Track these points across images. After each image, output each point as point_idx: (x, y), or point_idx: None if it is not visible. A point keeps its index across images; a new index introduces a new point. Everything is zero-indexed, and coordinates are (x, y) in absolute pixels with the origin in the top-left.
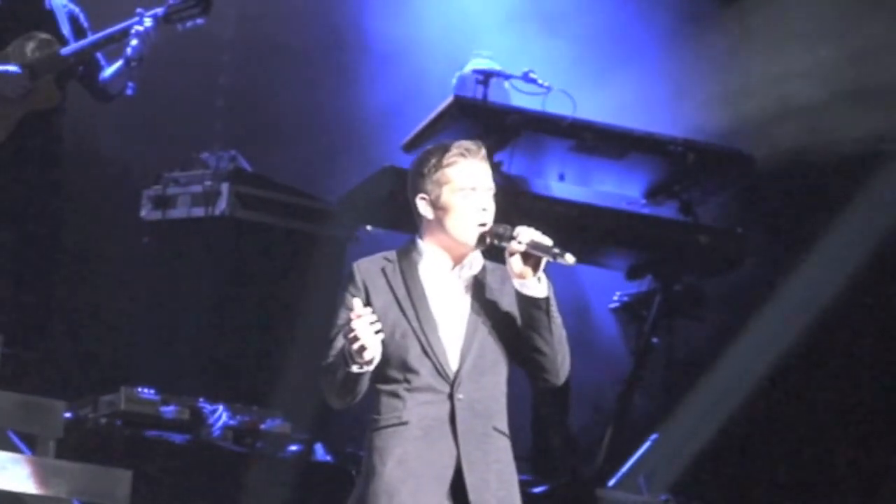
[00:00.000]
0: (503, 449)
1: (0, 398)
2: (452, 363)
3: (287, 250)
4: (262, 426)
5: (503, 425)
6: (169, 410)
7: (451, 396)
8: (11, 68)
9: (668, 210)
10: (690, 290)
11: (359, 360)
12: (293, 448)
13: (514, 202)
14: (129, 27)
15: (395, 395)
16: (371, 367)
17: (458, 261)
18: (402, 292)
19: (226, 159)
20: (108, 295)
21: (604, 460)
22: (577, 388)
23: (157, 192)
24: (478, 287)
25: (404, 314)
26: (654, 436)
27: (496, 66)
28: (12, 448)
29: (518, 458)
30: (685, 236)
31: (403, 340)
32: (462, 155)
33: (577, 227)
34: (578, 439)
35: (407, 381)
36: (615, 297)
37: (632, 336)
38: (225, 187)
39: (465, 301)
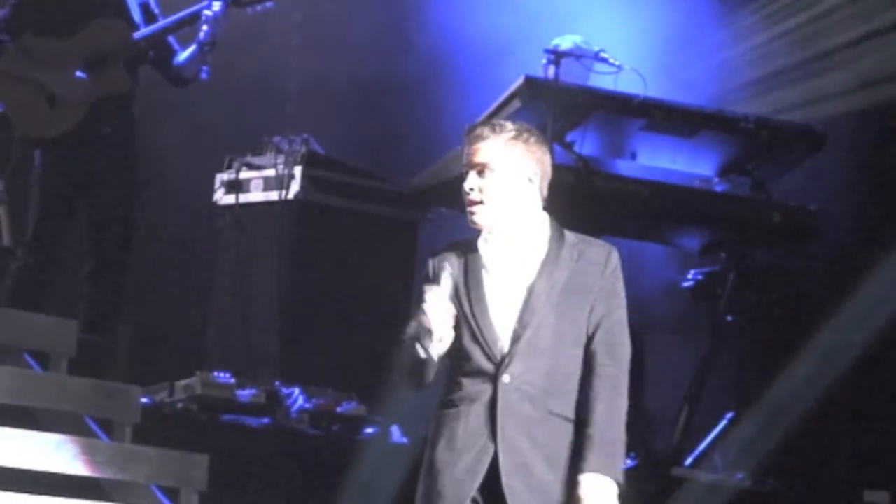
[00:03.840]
0: (560, 433)
1: (77, 384)
2: (503, 345)
3: (360, 233)
4: (338, 409)
5: (565, 408)
6: (245, 394)
7: (494, 378)
8: (71, 65)
9: (740, 187)
10: (764, 267)
11: (428, 341)
12: (369, 430)
13: (587, 181)
14: (200, 11)
15: (453, 378)
16: (440, 350)
17: (510, 239)
18: (461, 278)
19: (298, 142)
20: (182, 279)
21: (679, 439)
22: (653, 367)
23: (230, 176)
24: (547, 264)
25: (459, 299)
26: (729, 414)
27: (576, 43)
28: (90, 434)
29: None
30: (758, 214)
31: (458, 326)
32: (465, 136)
33: (649, 207)
34: (654, 418)
35: (462, 365)
36: (689, 276)
37: (706, 315)
38: (298, 171)
39: (525, 280)
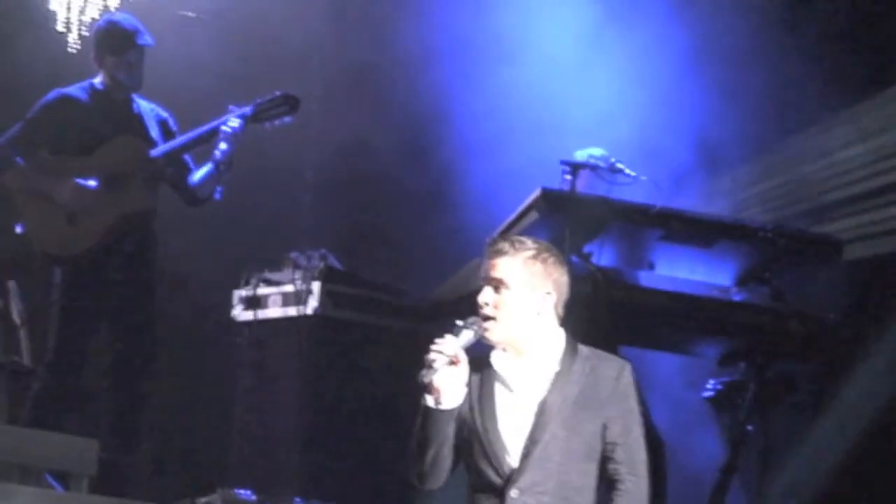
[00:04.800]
0: None
1: (98, 503)
2: (512, 460)
3: (379, 347)
4: None
5: None
6: None
7: (502, 494)
8: (90, 183)
9: (758, 296)
10: (784, 376)
11: (424, 371)
12: None
13: (605, 292)
14: (218, 127)
15: (470, 495)
16: (442, 406)
17: (523, 354)
18: (474, 392)
19: (316, 258)
20: (202, 396)
21: None
22: (673, 478)
23: (248, 292)
24: (559, 379)
25: (472, 412)
26: None
27: (593, 154)
28: None
29: None
30: (777, 323)
31: (469, 439)
32: (485, 249)
33: (667, 317)
34: None
35: (475, 481)
36: (708, 386)
37: (726, 425)
38: (316, 286)
39: (537, 395)
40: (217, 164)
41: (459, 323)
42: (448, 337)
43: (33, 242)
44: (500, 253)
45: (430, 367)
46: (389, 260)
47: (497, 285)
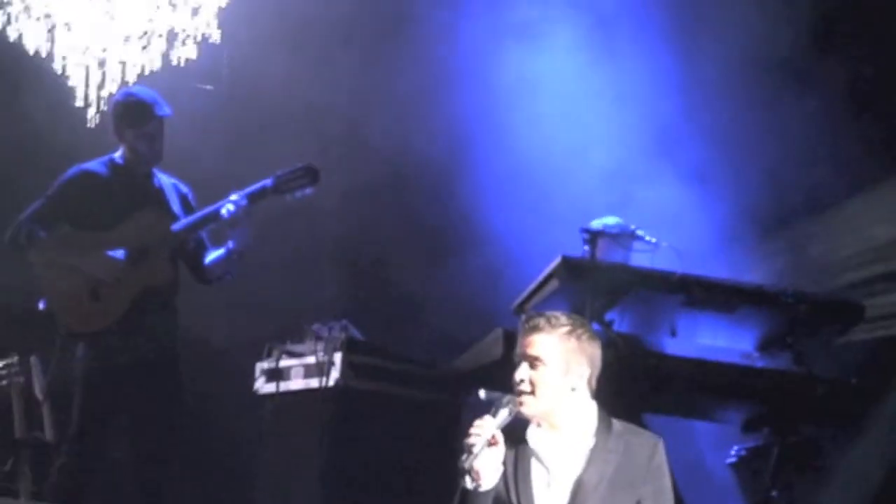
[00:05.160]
0: None
1: None
2: None
3: (402, 418)
4: None
5: None
6: None
7: None
8: (116, 255)
9: (781, 362)
10: (808, 442)
11: (464, 457)
12: None
13: (628, 360)
14: (217, 211)
15: None
16: (482, 487)
17: (558, 430)
18: (510, 468)
19: (337, 329)
20: (226, 467)
21: None
22: None
23: (270, 364)
24: (594, 456)
25: (507, 489)
26: None
27: (612, 222)
28: None
29: None
30: (800, 388)
31: None
32: (521, 325)
33: (691, 383)
34: None
35: None
36: (732, 452)
37: (751, 491)
38: (338, 357)
39: (573, 472)
40: (229, 252)
41: (489, 394)
42: (486, 418)
43: (56, 318)
44: (536, 329)
45: (470, 451)
46: (411, 330)
47: (533, 362)
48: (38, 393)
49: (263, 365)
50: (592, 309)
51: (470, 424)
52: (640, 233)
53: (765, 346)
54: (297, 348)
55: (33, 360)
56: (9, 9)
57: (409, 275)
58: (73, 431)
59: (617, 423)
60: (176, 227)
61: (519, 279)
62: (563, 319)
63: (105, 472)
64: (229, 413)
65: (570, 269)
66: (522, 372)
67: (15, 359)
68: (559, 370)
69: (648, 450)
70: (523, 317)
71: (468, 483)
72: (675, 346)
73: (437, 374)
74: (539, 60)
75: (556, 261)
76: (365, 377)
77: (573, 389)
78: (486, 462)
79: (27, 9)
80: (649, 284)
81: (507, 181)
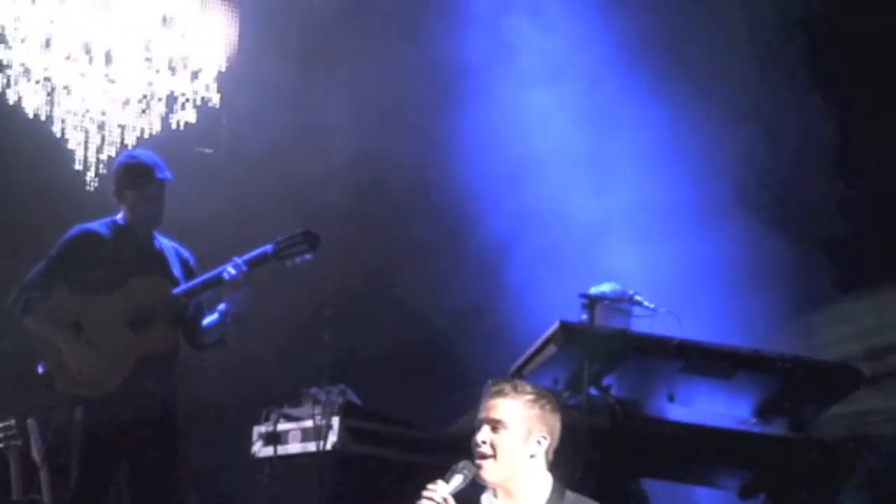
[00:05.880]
0: None
1: None
2: None
3: (400, 482)
4: None
5: None
6: None
7: None
8: (117, 320)
9: (778, 427)
10: None
11: None
12: None
13: (625, 425)
14: (220, 274)
15: None
16: None
17: (513, 498)
18: None
19: (335, 393)
20: None
21: None
22: None
23: (267, 428)
24: None
25: None
26: None
27: (609, 289)
28: None
29: None
30: (797, 453)
31: None
32: (486, 389)
33: (688, 449)
34: None
35: None
36: None
37: None
38: (335, 421)
39: None
40: (223, 316)
41: (449, 474)
42: (439, 482)
43: (55, 383)
44: (501, 394)
45: None
46: (409, 395)
47: (496, 426)
48: (36, 456)
49: (261, 429)
50: (590, 373)
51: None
52: (638, 298)
53: (762, 412)
54: (295, 412)
55: (31, 422)
56: (8, 72)
57: (408, 338)
58: (71, 494)
59: (570, 494)
60: (177, 291)
61: (518, 343)
62: (529, 388)
63: None
64: (227, 477)
65: (568, 333)
66: (484, 434)
67: (12, 422)
68: (521, 436)
69: None
70: (488, 382)
71: None
72: (673, 412)
73: (434, 439)
74: None
75: (554, 326)
76: (363, 441)
77: (532, 457)
78: None
79: (27, 72)
80: (647, 350)
81: (507, 244)
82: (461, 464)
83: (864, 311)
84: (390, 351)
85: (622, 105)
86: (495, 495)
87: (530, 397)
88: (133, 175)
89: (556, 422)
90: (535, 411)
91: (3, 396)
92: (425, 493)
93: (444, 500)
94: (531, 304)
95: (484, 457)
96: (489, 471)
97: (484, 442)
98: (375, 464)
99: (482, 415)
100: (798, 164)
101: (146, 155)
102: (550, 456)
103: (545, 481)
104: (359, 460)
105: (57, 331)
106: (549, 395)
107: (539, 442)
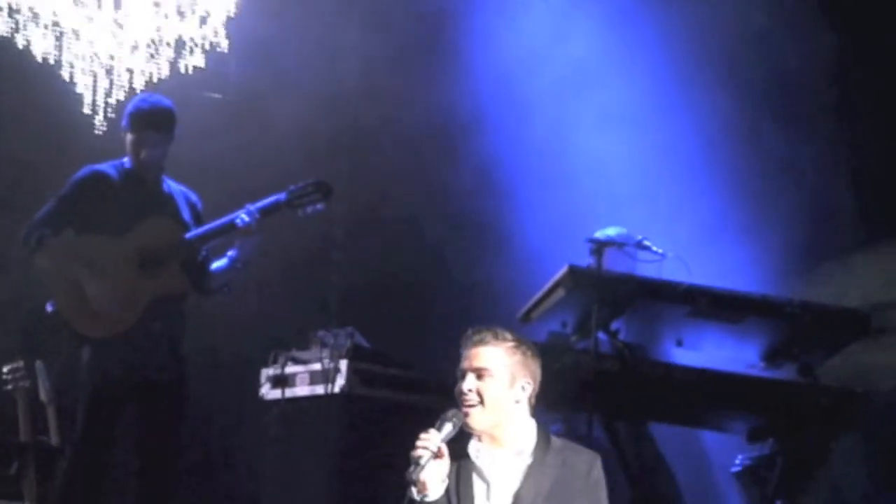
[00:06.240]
0: None
1: None
2: None
3: (407, 425)
4: None
5: None
6: None
7: None
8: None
9: (787, 372)
10: (813, 451)
11: (412, 469)
12: None
13: (633, 369)
14: (233, 221)
15: None
16: (428, 498)
17: (500, 444)
18: (452, 481)
19: (343, 336)
20: (230, 473)
21: None
22: None
23: (275, 371)
24: (532, 470)
25: (448, 499)
26: None
27: (618, 232)
28: None
29: None
30: (806, 398)
31: None
32: (462, 342)
33: (696, 393)
34: None
35: None
36: (737, 462)
37: (755, 500)
38: (343, 364)
39: (511, 486)
40: (232, 262)
41: (439, 422)
42: (431, 431)
43: (64, 321)
44: (482, 342)
45: (417, 463)
46: (416, 337)
47: (480, 373)
48: (44, 397)
49: (269, 371)
50: (598, 318)
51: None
52: (646, 243)
53: (770, 357)
54: (303, 355)
55: (38, 364)
56: (17, 16)
57: (417, 283)
58: (78, 436)
59: (556, 440)
60: (190, 235)
61: (526, 289)
62: (509, 335)
63: (109, 476)
64: (235, 419)
65: (576, 278)
66: (469, 383)
67: (20, 363)
68: (505, 382)
69: (586, 465)
70: (468, 331)
71: (415, 494)
72: (681, 356)
73: (441, 381)
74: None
75: (563, 270)
76: (370, 384)
77: (517, 402)
78: (432, 474)
79: (35, 16)
80: (655, 295)
81: (518, 189)
82: (450, 412)
83: (871, 264)
84: (397, 294)
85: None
86: (482, 441)
87: (511, 344)
88: (141, 120)
89: (537, 368)
90: (517, 357)
91: (11, 337)
92: (419, 443)
93: (438, 448)
94: (540, 248)
95: (471, 405)
96: (476, 418)
97: (470, 390)
98: (383, 406)
99: (465, 364)
100: (813, 118)
101: (155, 99)
102: (533, 402)
103: (530, 427)
104: (366, 403)
105: (73, 266)
106: (529, 342)
107: (523, 388)
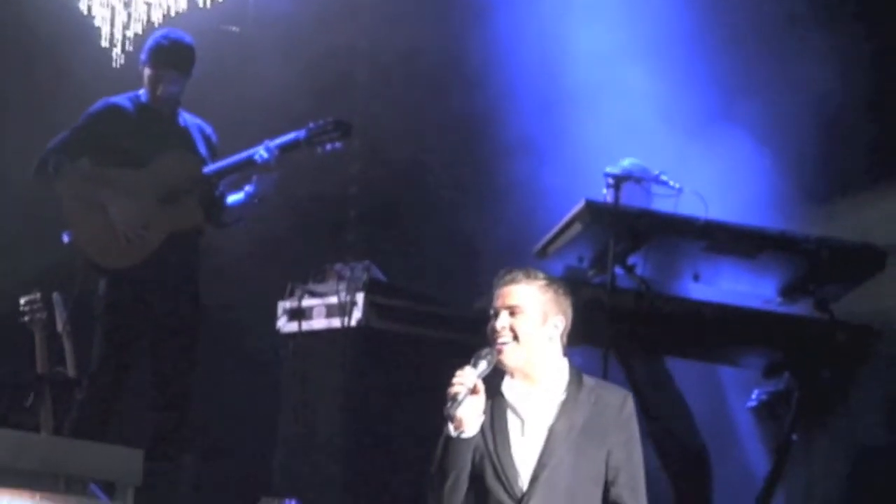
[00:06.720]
0: None
1: None
2: (523, 484)
3: (424, 358)
4: None
5: None
6: None
7: None
8: (146, 196)
9: (803, 307)
10: (828, 387)
11: (449, 405)
12: None
13: (650, 304)
14: (252, 157)
15: None
16: (465, 435)
17: (533, 382)
18: (487, 418)
19: (360, 269)
20: (247, 406)
21: None
22: (718, 486)
23: (292, 303)
24: (566, 406)
25: (485, 437)
26: None
27: (634, 164)
28: None
29: None
30: (822, 334)
31: (481, 463)
32: (498, 280)
33: (712, 328)
34: None
35: (484, 499)
36: (753, 396)
37: (771, 435)
38: (360, 297)
39: (545, 422)
40: (249, 197)
41: (474, 360)
42: (467, 368)
43: (81, 252)
44: (514, 281)
45: (454, 400)
46: (433, 271)
47: (513, 311)
48: (60, 329)
49: (286, 304)
50: (615, 253)
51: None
52: (664, 178)
53: (786, 292)
54: (320, 288)
55: (55, 296)
56: None
57: (434, 217)
58: (94, 367)
59: (588, 378)
60: (208, 170)
61: (543, 223)
62: (541, 274)
63: (126, 406)
64: (251, 352)
65: (593, 212)
66: (502, 321)
67: (37, 295)
68: (538, 319)
69: (618, 402)
70: (500, 272)
71: (452, 430)
72: (698, 291)
73: (458, 315)
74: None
75: (580, 205)
76: (387, 317)
77: (549, 340)
78: (468, 410)
79: None
80: (672, 229)
81: (529, 124)
82: (485, 350)
83: (890, 199)
84: (416, 227)
85: None
86: (515, 379)
87: (543, 282)
88: (159, 54)
89: (568, 306)
90: (549, 295)
91: (27, 268)
92: (456, 380)
93: (475, 384)
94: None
95: (504, 342)
96: (510, 355)
97: (503, 327)
98: (399, 339)
99: (498, 302)
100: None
101: (173, 34)
102: (565, 340)
103: (563, 365)
104: (383, 336)
105: (96, 190)
106: (561, 281)
107: (556, 325)
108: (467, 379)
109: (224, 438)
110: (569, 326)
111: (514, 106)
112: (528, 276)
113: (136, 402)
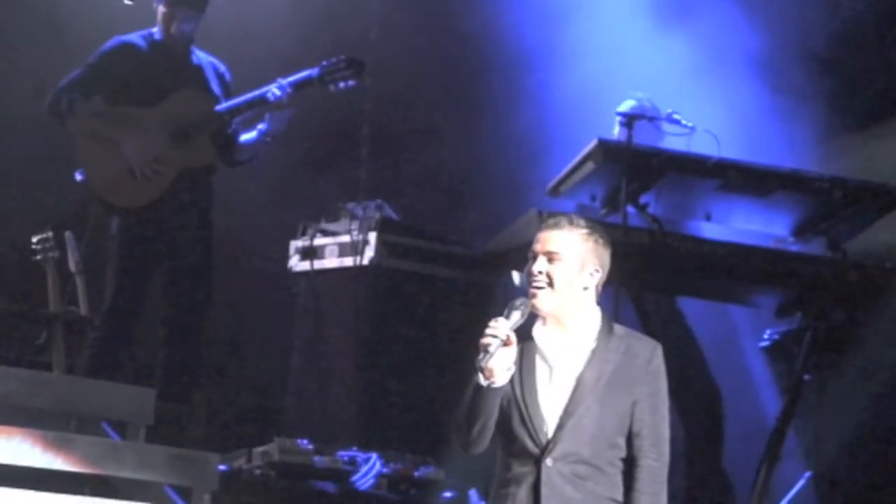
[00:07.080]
0: None
1: (155, 452)
2: (549, 430)
3: (435, 297)
4: (416, 473)
5: (606, 491)
6: (322, 460)
7: (538, 461)
8: (158, 133)
9: (815, 247)
10: (841, 327)
11: (482, 356)
12: (447, 495)
13: (662, 243)
14: (264, 95)
15: (504, 459)
16: (495, 385)
17: (564, 328)
18: (517, 360)
19: (372, 208)
20: (259, 346)
21: (758, 501)
22: (730, 426)
23: (304, 242)
24: (595, 355)
25: (512, 383)
26: (807, 474)
27: (644, 102)
28: (168, 502)
29: (671, 496)
30: (834, 273)
31: (509, 408)
32: (541, 222)
33: (724, 267)
34: (731, 477)
35: (511, 446)
36: (765, 336)
37: (783, 374)
38: (372, 236)
39: (574, 370)
40: (262, 135)
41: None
42: (500, 319)
43: (94, 189)
44: (557, 227)
45: (486, 351)
46: (445, 211)
47: (552, 257)
48: (73, 267)
49: (298, 243)
50: (627, 191)
51: (495, 312)
52: (676, 116)
53: (799, 232)
54: (332, 227)
55: (67, 234)
56: None
57: (446, 157)
58: (107, 306)
59: (619, 328)
60: (220, 108)
61: (554, 163)
62: (583, 222)
63: (138, 345)
64: (264, 291)
65: (606, 151)
66: (540, 265)
67: (49, 234)
68: (575, 267)
69: (648, 353)
70: (545, 214)
71: (482, 380)
72: (710, 230)
73: (470, 255)
74: None
75: (592, 143)
76: (399, 256)
77: (585, 289)
78: (499, 361)
79: None
80: (685, 168)
81: (543, 62)
82: (518, 300)
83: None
84: (428, 167)
85: None
86: (547, 325)
87: (585, 231)
88: None
89: (607, 256)
90: (589, 244)
91: (39, 206)
92: (489, 331)
93: (507, 336)
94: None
95: (540, 286)
96: (544, 300)
97: (540, 272)
98: (411, 278)
99: (537, 247)
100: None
101: None
102: (600, 290)
103: (595, 314)
104: (395, 275)
105: (109, 128)
106: (602, 231)
107: (592, 274)
108: (500, 331)
109: (236, 378)
110: (605, 277)
111: (522, 45)
112: (570, 223)
113: (148, 340)
